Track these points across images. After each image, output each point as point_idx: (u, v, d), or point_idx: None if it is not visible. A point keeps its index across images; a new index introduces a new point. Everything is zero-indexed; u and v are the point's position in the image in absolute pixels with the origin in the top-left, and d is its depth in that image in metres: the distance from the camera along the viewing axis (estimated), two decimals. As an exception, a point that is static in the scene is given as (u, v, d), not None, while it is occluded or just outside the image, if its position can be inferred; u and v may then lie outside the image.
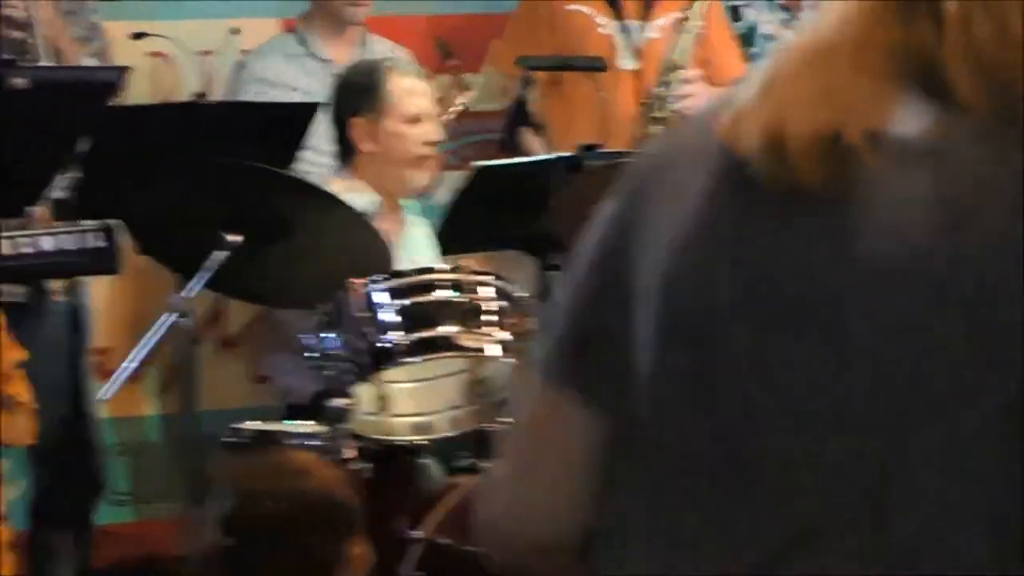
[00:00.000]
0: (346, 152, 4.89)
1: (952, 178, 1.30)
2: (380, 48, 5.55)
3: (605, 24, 5.64)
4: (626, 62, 5.59)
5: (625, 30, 5.64)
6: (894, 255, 1.28)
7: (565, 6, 5.67)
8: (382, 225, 4.65)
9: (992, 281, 1.26)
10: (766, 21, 6.15)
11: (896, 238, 1.28)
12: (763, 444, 1.33)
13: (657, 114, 5.58)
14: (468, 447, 4.62)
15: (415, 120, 4.87)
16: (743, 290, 1.34)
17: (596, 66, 5.27)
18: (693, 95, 5.68)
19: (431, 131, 4.93)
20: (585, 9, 5.66)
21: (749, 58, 6.15)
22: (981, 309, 1.26)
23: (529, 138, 5.10)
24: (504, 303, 4.31)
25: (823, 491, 1.30)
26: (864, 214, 1.30)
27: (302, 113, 4.77)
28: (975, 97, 1.29)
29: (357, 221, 4.39)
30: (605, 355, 1.45)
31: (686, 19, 5.50)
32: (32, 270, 4.59)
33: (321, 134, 4.89)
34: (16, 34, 4.93)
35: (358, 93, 4.92)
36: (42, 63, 4.85)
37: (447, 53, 5.60)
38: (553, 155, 4.89)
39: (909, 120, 1.32)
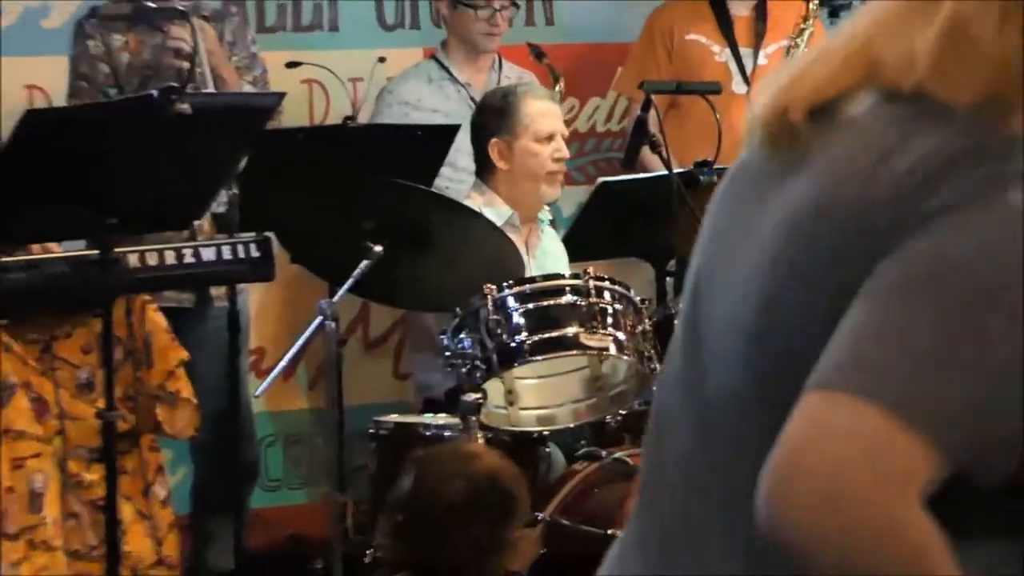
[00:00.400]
0: (484, 169, 5.05)
1: (851, 142, 1.53)
2: (511, 73, 5.70)
3: (720, 52, 5.82)
4: (739, 86, 5.76)
5: (738, 57, 5.81)
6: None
7: (684, 36, 5.84)
8: (516, 236, 4.84)
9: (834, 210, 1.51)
10: None
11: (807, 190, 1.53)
12: None
13: None
14: (587, 436, 4.76)
15: (547, 139, 5.01)
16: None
17: (711, 90, 5.38)
18: None
19: (561, 149, 5.08)
20: (702, 39, 5.84)
21: None
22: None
23: (648, 156, 5.18)
24: (622, 306, 4.49)
25: None
26: (797, 175, 1.54)
27: (443, 134, 5.01)
28: (903, 93, 1.50)
29: (492, 232, 4.56)
30: None
31: (795, 46, 5.65)
32: (195, 278, 4.84)
33: (458, 151, 5.09)
34: (183, 64, 5.17)
35: (495, 116, 5.05)
36: (205, 90, 5.06)
37: (539, 54, 5.66)
38: (671, 171, 5.07)
39: (855, 105, 1.54)
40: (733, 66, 5.83)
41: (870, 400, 1.44)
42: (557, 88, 5.69)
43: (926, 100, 1.53)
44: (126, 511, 4.40)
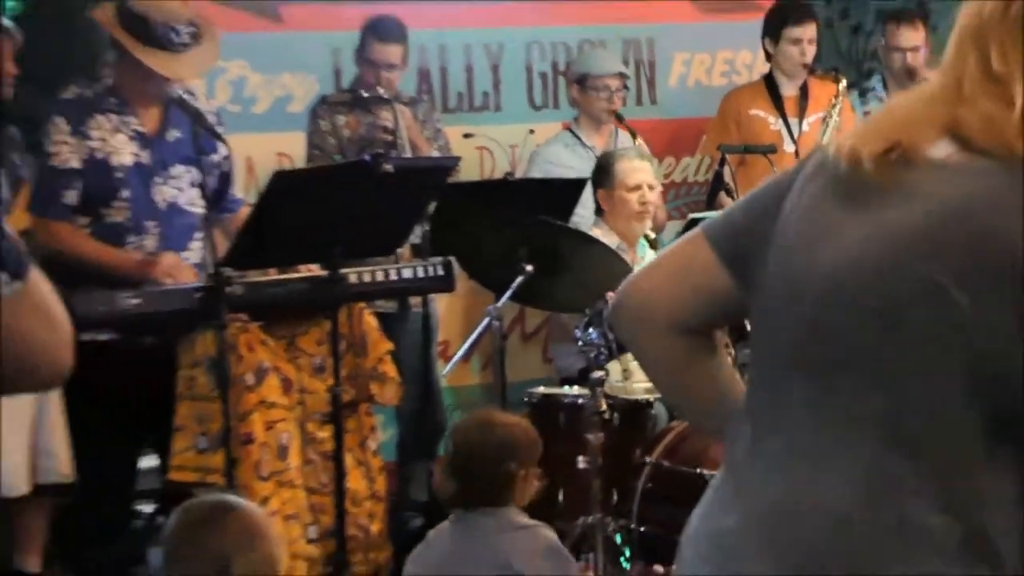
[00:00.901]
0: (598, 210, 5.87)
1: (945, 183, 1.69)
2: (624, 138, 6.44)
3: (774, 122, 6.67)
4: (789, 147, 6.60)
5: (788, 125, 6.66)
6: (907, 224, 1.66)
7: (747, 111, 6.67)
8: (626, 256, 5.57)
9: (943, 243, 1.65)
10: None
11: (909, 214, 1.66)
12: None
13: None
14: None
15: (635, 188, 5.88)
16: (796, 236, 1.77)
17: (769, 150, 6.31)
18: None
19: (646, 195, 5.83)
20: (761, 113, 6.69)
21: None
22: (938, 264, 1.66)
23: (724, 199, 5.96)
24: None
25: None
26: (894, 202, 1.68)
27: (574, 186, 5.86)
28: (977, 146, 1.67)
29: (609, 253, 5.39)
30: (749, 244, 1.87)
31: (829, 116, 6.42)
32: (398, 291, 5.56)
33: (586, 196, 5.84)
34: (387, 137, 5.93)
35: (600, 173, 5.95)
36: (404, 155, 5.73)
37: (619, 118, 6.41)
38: None
39: (939, 150, 1.70)
40: (784, 133, 6.64)
41: None
42: (637, 142, 6.33)
43: (1007, 155, 1.70)
44: (348, 459, 4.83)
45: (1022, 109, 1.69)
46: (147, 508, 6.06)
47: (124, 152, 4.99)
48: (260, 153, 6.28)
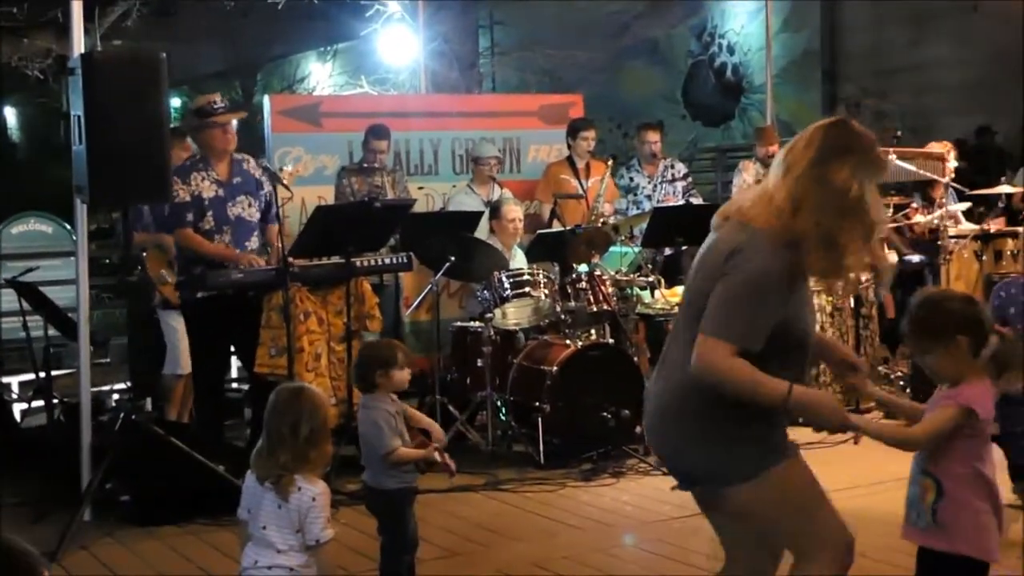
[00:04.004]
0: (491, 230, 8.25)
1: (724, 231, 3.33)
2: (499, 191, 8.88)
3: (574, 181, 9.49)
4: (580, 194, 9.32)
5: (581, 183, 9.46)
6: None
7: (559, 175, 9.44)
8: (507, 254, 7.96)
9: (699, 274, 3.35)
10: (642, 184, 10.00)
11: None
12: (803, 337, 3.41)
13: (595, 215, 9.01)
14: (534, 332, 7.90)
15: (511, 220, 8.32)
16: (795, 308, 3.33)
17: (577, 196, 8.97)
18: (605, 210, 8.99)
19: (517, 224, 8.22)
20: (566, 176, 9.48)
21: (631, 202, 9.93)
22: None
23: (556, 224, 8.45)
24: (547, 279, 7.62)
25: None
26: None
27: (474, 216, 8.18)
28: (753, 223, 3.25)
29: (496, 253, 7.71)
30: (771, 327, 3.29)
31: (602, 180, 9.25)
32: (382, 269, 7.59)
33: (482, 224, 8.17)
34: (378, 189, 8.34)
35: (494, 211, 8.41)
36: (386, 198, 7.99)
37: (493, 179, 8.61)
38: (565, 227, 8.02)
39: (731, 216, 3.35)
40: (578, 187, 9.46)
41: (713, 335, 3.27)
42: (504, 192, 8.66)
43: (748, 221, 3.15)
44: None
45: (767, 208, 3.21)
46: (240, 388, 8.63)
47: (209, 190, 7.16)
48: (309, 196, 9.23)
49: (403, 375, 4.78)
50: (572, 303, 7.87)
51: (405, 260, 7.66)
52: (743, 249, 3.27)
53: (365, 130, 8.83)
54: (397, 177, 8.98)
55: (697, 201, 9.61)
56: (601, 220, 8.86)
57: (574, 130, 9.58)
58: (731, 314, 3.26)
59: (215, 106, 7.15)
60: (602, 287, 7.79)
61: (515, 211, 8.48)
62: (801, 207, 3.26)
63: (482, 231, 8.56)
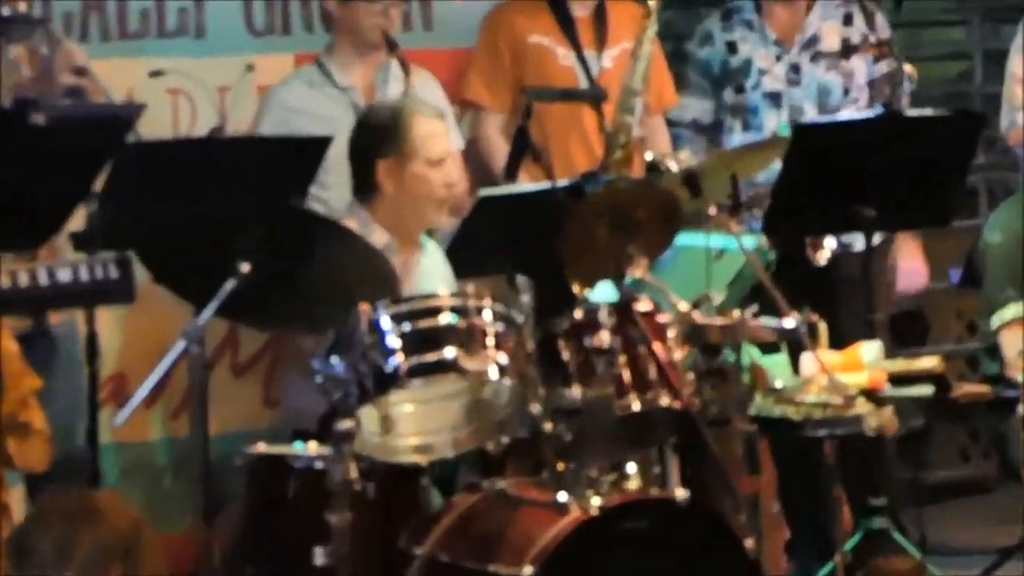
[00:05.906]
0: (365, 191, 4.94)
1: None
2: (398, 73, 5.49)
3: (564, 55, 5.76)
4: (587, 89, 5.77)
5: (583, 60, 5.75)
6: None
7: (525, 38, 5.76)
8: (396, 257, 4.72)
9: None
10: (760, 56, 6.26)
11: None
12: None
13: (622, 140, 5.68)
14: (468, 466, 4.69)
15: (438, 163, 4.95)
16: None
17: (598, 96, 5.45)
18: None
19: (452, 173, 5.00)
20: (545, 41, 5.78)
21: (743, 90, 6.28)
22: None
23: (531, 168, 5.11)
24: (504, 326, 4.41)
25: None
26: None
27: (315, 147, 4.81)
28: None
29: (368, 251, 4.43)
30: None
31: (639, 47, 5.60)
32: (49, 300, 4.72)
33: (327, 166, 4.91)
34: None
35: (382, 135, 4.98)
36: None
37: (393, 45, 5.53)
38: (555, 184, 4.94)
39: None
40: (579, 70, 5.81)
41: None
42: (418, 83, 5.55)
43: None
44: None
45: None
46: None
47: None
48: None
49: None
50: (572, 389, 4.76)
51: (114, 274, 4.76)
52: None
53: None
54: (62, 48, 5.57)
55: (915, 112, 6.10)
56: (652, 158, 5.41)
57: None
58: None
59: None
60: (660, 342, 4.86)
61: (440, 140, 5.19)
62: None
63: (323, 200, 5.33)
